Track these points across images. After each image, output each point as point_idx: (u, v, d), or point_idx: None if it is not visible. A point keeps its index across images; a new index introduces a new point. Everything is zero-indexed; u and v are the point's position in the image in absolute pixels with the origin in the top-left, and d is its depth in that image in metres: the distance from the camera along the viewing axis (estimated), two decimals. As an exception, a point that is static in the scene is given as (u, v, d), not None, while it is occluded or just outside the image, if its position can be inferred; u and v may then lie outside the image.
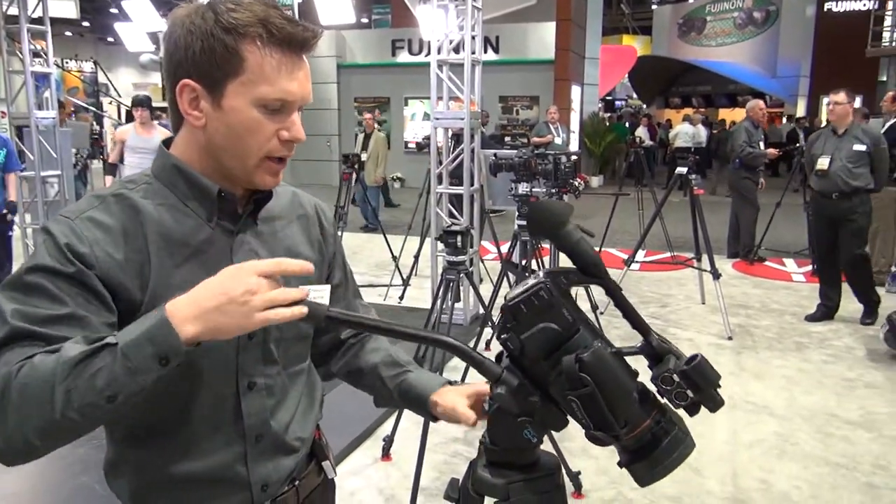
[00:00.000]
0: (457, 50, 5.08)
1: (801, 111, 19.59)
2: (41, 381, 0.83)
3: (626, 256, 6.07)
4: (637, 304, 5.98)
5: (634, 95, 25.13)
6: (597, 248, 7.55)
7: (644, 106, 23.61)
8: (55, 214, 1.00)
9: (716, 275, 5.25)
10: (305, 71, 1.01)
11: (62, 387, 0.82)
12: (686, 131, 14.71)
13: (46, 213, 6.65)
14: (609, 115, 20.33)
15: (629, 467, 0.96)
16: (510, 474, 1.01)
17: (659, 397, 0.94)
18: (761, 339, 5.18)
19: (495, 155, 3.53)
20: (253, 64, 0.96)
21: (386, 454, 3.35)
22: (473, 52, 4.94)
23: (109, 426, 1.08)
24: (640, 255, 7.57)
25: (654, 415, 0.94)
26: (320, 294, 1.15)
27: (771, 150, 7.30)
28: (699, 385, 0.92)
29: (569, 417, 0.96)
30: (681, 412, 0.96)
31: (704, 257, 5.51)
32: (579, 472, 3.06)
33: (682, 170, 5.48)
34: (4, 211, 5.62)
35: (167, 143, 1.08)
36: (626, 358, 0.96)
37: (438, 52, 5.04)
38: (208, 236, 1.03)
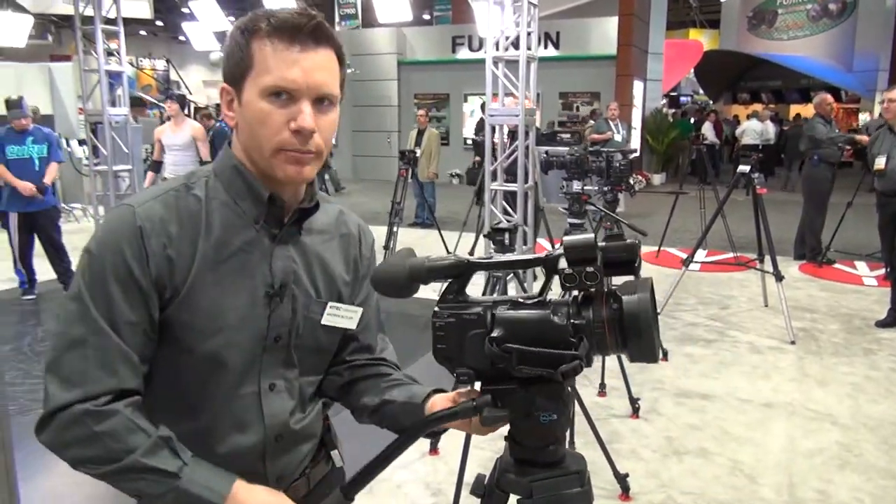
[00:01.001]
0: (514, 46, 5.06)
1: (878, 107, 18.70)
2: (110, 453, 0.97)
3: (685, 256, 5.93)
4: (696, 305, 5.88)
5: (700, 91, 24.46)
6: (655, 248, 7.40)
7: (710, 102, 22.95)
8: (120, 202, 1.07)
9: (778, 276, 5.08)
10: (314, 58, 1.00)
11: (118, 467, 0.97)
12: (754, 128, 14.25)
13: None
14: (673, 111, 19.84)
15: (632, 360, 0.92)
16: (534, 472, 1.01)
17: (593, 290, 0.90)
18: (826, 344, 4.98)
19: (547, 152, 3.50)
20: (258, 57, 1.00)
21: (433, 449, 3.37)
22: (529, 49, 4.91)
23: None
24: (702, 256, 7.39)
25: (604, 305, 0.90)
26: (347, 314, 1.18)
27: (862, 137, 6.94)
28: (587, 258, 0.89)
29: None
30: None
31: (767, 258, 5.34)
32: (627, 475, 3.01)
33: (744, 168, 5.31)
34: (58, 205, 5.96)
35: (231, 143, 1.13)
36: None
37: (495, 48, 5.03)
38: (252, 238, 1.07)
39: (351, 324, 1.19)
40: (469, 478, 2.96)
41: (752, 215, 5.51)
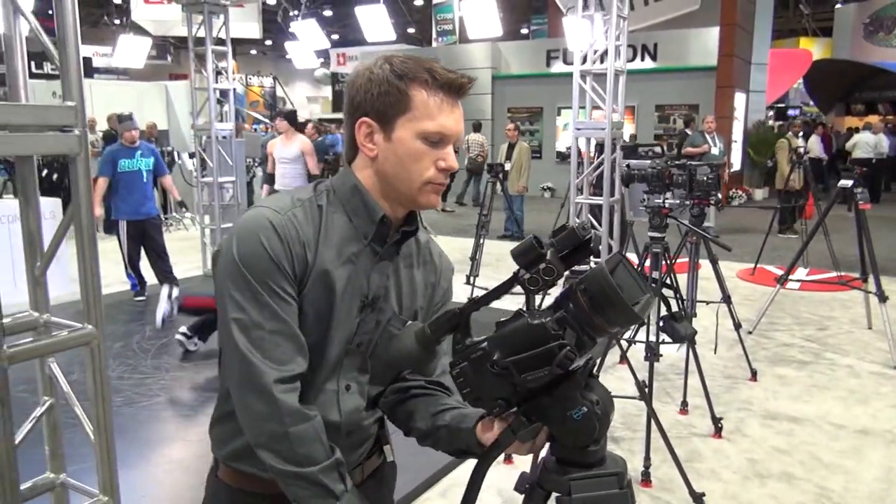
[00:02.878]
0: (603, 60, 5.05)
1: None
2: (295, 456, 1.10)
3: (781, 273, 5.70)
4: (791, 325, 5.63)
5: (811, 102, 23.26)
6: (752, 265, 7.12)
7: (821, 114, 21.78)
8: (264, 205, 1.18)
9: (882, 297, 4.81)
10: (460, 112, 1.19)
11: (296, 471, 1.10)
12: (866, 140, 13.45)
13: (221, 215, 7.38)
14: (780, 123, 18.97)
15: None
16: (573, 471, 1.06)
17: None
18: (936, 371, 4.66)
19: (628, 165, 3.49)
20: (419, 103, 1.14)
21: (508, 457, 3.41)
22: (617, 62, 4.89)
23: (221, 381, 1.26)
24: (802, 274, 7.06)
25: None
26: None
27: None
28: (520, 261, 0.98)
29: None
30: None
31: (871, 278, 5.06)
32: (703, 494, 2.95)
33: (846, 182, 5.06)
34: (160, 213, 6.40)
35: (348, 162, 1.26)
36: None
37: (584, 62, 5.04)
38: (359, 251, 1.20)
39: None
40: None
41: (855, 233, 5.23)
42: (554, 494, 1.08)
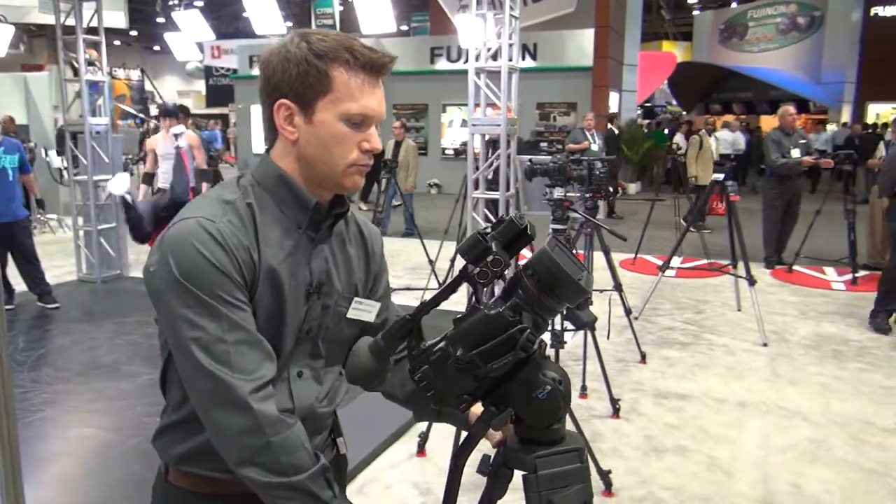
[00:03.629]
0: (494, 57, 5.18)
1: (844, 118, 19.18)
2: (281, 466, 1.06)
3: (661, 262, 6.09)
4: (672, 310, 6.03)
5: (674, 102, 24.90)
6: (632, 255, 7.56)
7: (683, 113, 23.37)
8: (192, 216, 1.10)
9: (751, 281, 5.25)
10: (382, 92, 1.16)
11: (282, 482, 1.07)
12: (725, 138, 14.55)
13: (97, 215, 6.93)
14: (648, 121, 20.18)
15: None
16: (537, 449, 1.10)
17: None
18: (797, 346, 5.15)
19: (531, 160, 3.62)
20: (340, 84, 1.11)
21: (421, 450, 3.45)
22: (510, 60, 5.04)
23: (169, 394, 1.22)
24: (677, 262, 7.56)
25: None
26: (368, 308, 1.30)
27: (805, 158, 7.22)
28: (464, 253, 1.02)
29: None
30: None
31: (741, 264, 5.51)
32: (609, 471, 3.12)
33: (718, 176, 5.48)
34: (29, 215, 5.96)
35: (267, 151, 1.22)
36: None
37: (476, 59, 5.15)
38: (295, 241, 1.18)
39: (370, 317, 1.30)
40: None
41: (724, 222, 5.68)
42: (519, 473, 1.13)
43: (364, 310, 1.29)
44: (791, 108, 7.52)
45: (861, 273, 7.09)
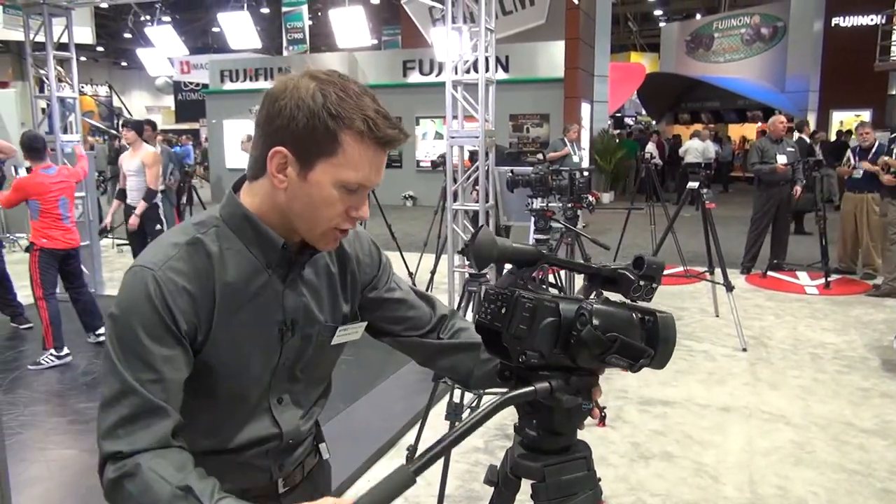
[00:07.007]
0: (470, 70, 5.21)
1: (814, 126, 19.57)
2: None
3: (639, 270, 6.14)
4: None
5: (644, 112, 25.25)
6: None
7: (653, 122, 23.71)
8: (136, 264, 1.08)
9: (729, 287, 5.32)
10: (385, 159, 1.10)
11: None
12: (696, 147, 14.81)
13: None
14: (619, 131, 20.43)
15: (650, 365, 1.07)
16: (545, 458, 1.11)
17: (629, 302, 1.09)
18: (775, 350, 5.23)
19: (512, 171, 3.64)
20: (348, 152, 1.04)
21: (409, 463, 3.42)
22: (487, 72, 5.07)
23: None
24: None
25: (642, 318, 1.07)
26: (356, 329, 1.29)
27: (779, 165, 7.38)
28: (654, 277, 1.08)
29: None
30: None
31: (718, 270, 5.58)
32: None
33: (693, 184, 5.57)
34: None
35: (236, 187, 1.16)
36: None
37: (454, 72, 5.17)
38: (265, 282, 1.13)
39: (357, 336, 1.29)
40: (448, 490, 3.03)
41: (698, 230, 5.76)
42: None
43: (350, 332, 1.27)
44: (781, 117, 7.78)
45: (833, 277, 7.24)
